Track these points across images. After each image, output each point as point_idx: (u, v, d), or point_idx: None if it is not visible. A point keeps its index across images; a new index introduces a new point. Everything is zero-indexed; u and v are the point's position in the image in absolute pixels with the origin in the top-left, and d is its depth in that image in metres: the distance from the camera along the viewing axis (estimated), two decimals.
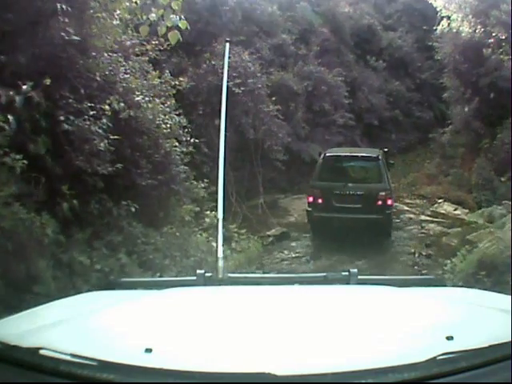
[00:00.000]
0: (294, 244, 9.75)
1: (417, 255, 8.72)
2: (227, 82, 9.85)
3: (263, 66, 11.86)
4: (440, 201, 12.45)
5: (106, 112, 5.05)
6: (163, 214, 6.47)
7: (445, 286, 1.94)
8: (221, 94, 10.59)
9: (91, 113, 4.92)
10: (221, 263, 2.34)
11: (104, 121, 4.97)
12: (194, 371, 1.00)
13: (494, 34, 12.10)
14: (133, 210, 5.39)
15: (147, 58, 6.66)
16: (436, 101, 17.64)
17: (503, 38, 11.99)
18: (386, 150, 10.63)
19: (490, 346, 1.06)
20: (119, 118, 5.31)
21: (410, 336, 1.20)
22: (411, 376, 0.98)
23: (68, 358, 1.04)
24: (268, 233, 10.13)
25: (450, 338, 1.10)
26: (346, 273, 1.78)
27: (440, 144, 15.04)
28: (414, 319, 1.37)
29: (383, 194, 8.44)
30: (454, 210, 11.83)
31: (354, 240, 8.28)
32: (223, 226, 2.72)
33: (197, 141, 7.51)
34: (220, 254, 2.46)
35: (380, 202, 8.42)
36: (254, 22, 13.30)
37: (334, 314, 1.44)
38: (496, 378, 1.01)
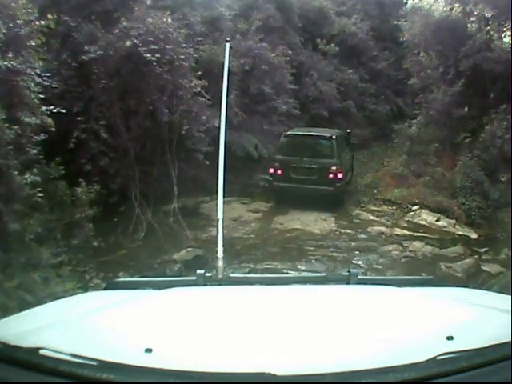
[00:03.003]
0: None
1: None
2: (139, 46, 7.82)
3: (192, 37, 9.69)
4: (415, 208, 10.09)
5: None
6: None
7: (445, 286, 1.94)
8: (133, 63, 8.02)
9: None
10: (221, 263, 2.34)
11: None
12: (194, 371, 1.00)
13: (476, 13, 11.03)
14: None
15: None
16: (392, 94, 16.32)
17: (489, 16, 10.82)
18: (348, 131, 11.95)
19: (490, 346, 1.06)
20: None
21: (410, 336, 1.21)
22: (411, 376, 0.98)
23: (68, 357, 1.04)
24: (175, 256, 7.00)
25: (450, 338, 1.10)
26: (346, 273, 1.78)
27: (407, 138, 12.61)
28: (414, 319, 1.37)
29: (334, 168, 9.61)
30: (437, 220, 9.55)
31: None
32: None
33: (70, 112, 6.19)
34: (220, 254, 2.46)
35: (331, 176, 9.58)
36: None
37: (333, 313, 1.44)
38: (496, 378, 1.01)
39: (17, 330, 1.27)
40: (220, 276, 2.01)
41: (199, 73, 9.10)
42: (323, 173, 9.58)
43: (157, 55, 7.95)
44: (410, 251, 8.09)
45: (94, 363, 1.03)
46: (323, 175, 9.56)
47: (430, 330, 1.24)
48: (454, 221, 9.52)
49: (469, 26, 11.15)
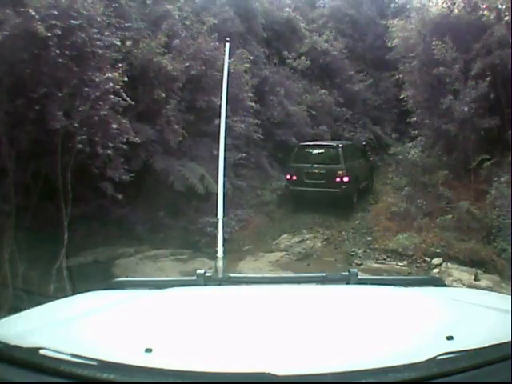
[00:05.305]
0: None
1: None
2: (37, 21, 5.35)
3: (121, 24, 7.36)
4: (437, 262, 7.51)
5: None
6: None
7: (445, 286, 1.94)
8: (29, 45, 5.73)
9: None
10: (221, 263, 2.34)
11: None
12: (194, 371, 1.00)
13: (483, 7, 9.68)
14: None
15: None
16: (370, 121, 14.71)
17: (503, 7, 9.23)
18: (364, 143, 13.34)
19: (490, 346, 1.06)
20: None
21: (410, 336, 1.21)
22: (411, 376, 0.98)
23: (68, 358, 1.04)
24: None
25: (450, 338, 1.10)
26: (346, 273, 1.78)
27: (409, 165, 10.02)
28: (414, 319, 1.37)
29: (340, 172, 10.69)
30: (475, 278, 6.74)
31: None
32: None
33: None
34: (220, 254, 2.46)
35: (338, 179, 10.63)
36: None
37: (333, 313, 1.44)
38: (496, 378, 1.01)
39: (17, 329, 1.27)
40: (220, 276, 2.00)
41: (120, 65, 6.69)
42: (331, 176, 10.63)
43: (55, 31, 5.73)
44: None
45: (94, 363, 1.03)
46: (331, 179, 10.61)
47: (430, 330, 1.24)
48: (497, 277, 6.90)
49: (486, 13, 9.49)
